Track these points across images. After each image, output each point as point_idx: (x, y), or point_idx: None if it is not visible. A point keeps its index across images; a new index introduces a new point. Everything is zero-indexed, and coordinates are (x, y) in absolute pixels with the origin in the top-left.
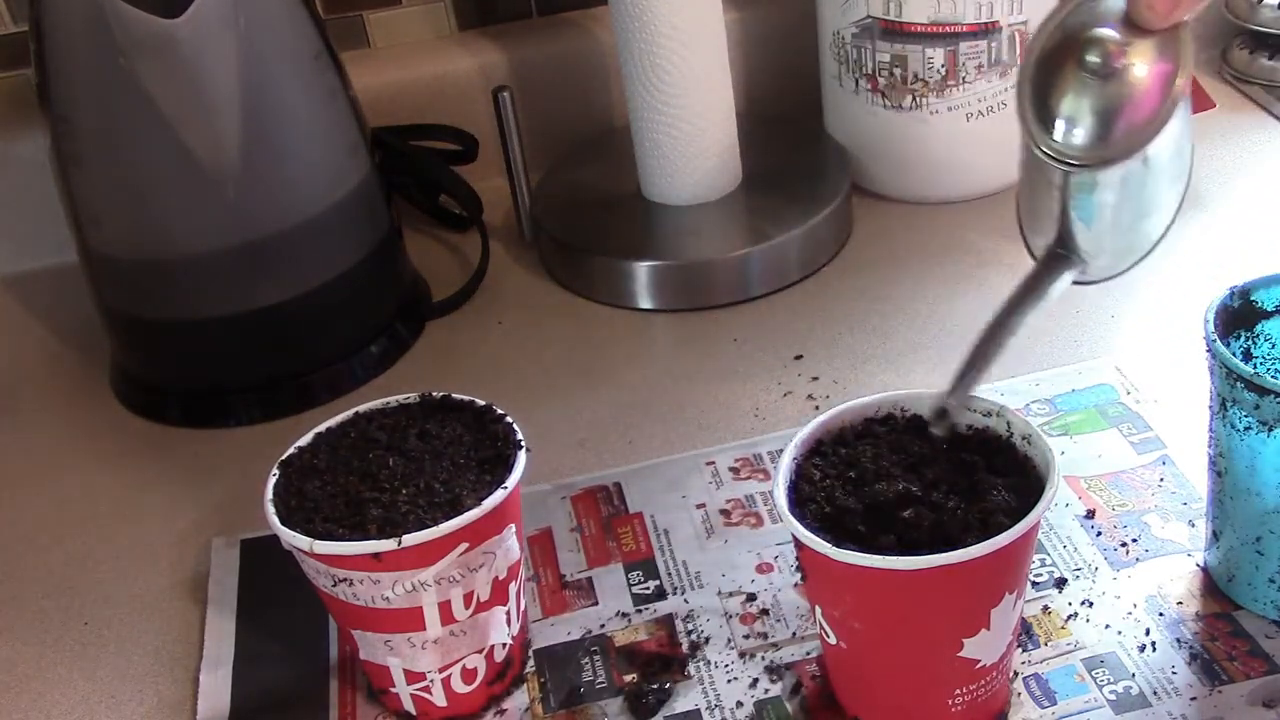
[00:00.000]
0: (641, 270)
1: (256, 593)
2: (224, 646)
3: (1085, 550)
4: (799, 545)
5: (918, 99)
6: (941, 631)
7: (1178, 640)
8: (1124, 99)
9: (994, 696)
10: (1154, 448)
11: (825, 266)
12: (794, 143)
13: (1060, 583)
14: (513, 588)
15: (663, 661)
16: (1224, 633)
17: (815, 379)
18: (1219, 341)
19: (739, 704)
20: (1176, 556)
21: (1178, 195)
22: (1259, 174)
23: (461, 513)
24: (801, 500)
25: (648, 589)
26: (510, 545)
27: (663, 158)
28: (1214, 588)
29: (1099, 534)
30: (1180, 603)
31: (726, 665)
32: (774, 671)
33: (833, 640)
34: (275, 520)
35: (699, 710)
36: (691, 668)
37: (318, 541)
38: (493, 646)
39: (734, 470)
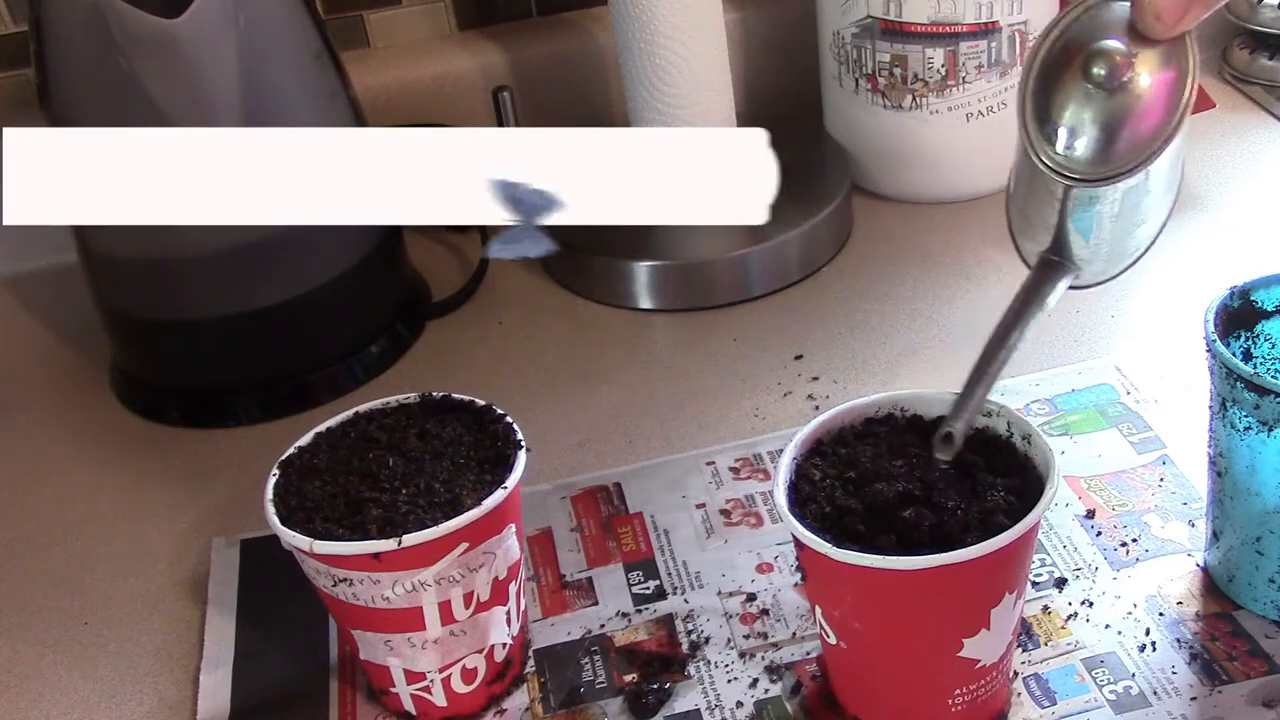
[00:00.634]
0: (641, 270)
1: (256, 593)
2: (224, 646)
3: (1085, 550)
4: (799, 545)
5: (918, 99)
6: (941, 631)
7: (1178, 640)
8: (1130, 112)
9: (994, 696)
10: (1154, 447)
11: (825, 266)
12: (794, 143)
13: (1060, 583)
14: (513, 588)
15: (663, 661)
16: (1224, 633)
17: (815, 379)
18: (1219, 341)
19: (739, 704)
20: (1176, 556)
21: (1171, 202)
22: (1259, 174)
23: (461, 513)
24: (801, 500)
25: (648, 589)
26: (510, 545)
27: None
28: (1214, 588)
29: (1099, 534)
30: (1180, 603)
31: (726, 665)
32: (774, 671)
33: (833, 640)
34: (275, 520)
35: (699, 710)
36: (691, 668)
37: (318, 541)
38: (493, 646)
39: (734, 470)
